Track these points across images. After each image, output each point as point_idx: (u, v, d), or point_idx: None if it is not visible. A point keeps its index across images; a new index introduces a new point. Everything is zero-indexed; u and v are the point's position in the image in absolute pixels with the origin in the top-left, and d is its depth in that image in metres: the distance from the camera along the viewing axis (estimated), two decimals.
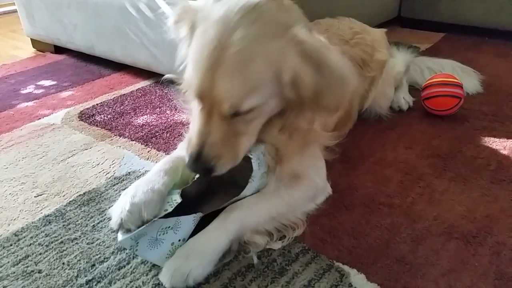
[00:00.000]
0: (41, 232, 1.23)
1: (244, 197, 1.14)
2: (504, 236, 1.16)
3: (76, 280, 1.06)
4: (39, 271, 1.09)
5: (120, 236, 1.04)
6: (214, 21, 0.95)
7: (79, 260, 1.12)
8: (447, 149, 1.59)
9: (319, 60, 0.96)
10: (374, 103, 1.78)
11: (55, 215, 1.30)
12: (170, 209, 1.04)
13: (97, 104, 2.06)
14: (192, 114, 1.07)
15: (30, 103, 2.13)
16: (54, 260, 1.13)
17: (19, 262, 1.13)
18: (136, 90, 2.21)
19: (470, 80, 2.08)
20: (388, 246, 1.14)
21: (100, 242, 1.18)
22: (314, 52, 0.96)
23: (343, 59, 1.04)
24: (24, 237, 1.21)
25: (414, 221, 1.23)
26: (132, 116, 1.92)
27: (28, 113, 2.02)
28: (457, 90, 1.76)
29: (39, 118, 1.95)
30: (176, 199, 1.06)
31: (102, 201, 1.35)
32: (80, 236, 1.21)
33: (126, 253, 1.13)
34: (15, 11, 3.29)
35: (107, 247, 1.16)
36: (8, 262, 1.13)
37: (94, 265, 1.10)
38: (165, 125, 1.82)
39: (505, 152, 1.56)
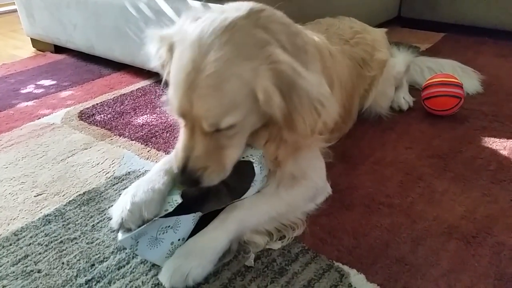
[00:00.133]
0: (41, 231, 1.23)
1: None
2: (504, 237, 1.16)
3: (76, 279, 1.06)
4: (39, 271, 1.09)
5: (120, 236, 1.04)
6: (189, 44, 0.98)
7: (79, 259, 1.12)
8: (447, 149, 1.59)
9: (289, 83, 0.97)
10: (374, 103, 1.78)
11: (54, 214, 1.29)
12: (170, 209, 1.04)
13: (97, 104, 2.06)
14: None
15: (30, 103, 2.13)
16: (53, 259, 1.13)
17: (19, 262, 1.12)
18: (136, 89, 2.21)
19: (470, 80, 2.08)
20: (388, 246, 1.14)
21: (99, 242, 1.18)
22: (285, 74, 0.97)
23: (319, 85, 1.03)
24: (24, 236, 1.21)
25: (414, 221, 1.23)
26: (132, 116, 1.92)
27: (28, 112, 2.02)
28: (457, 90, 1.76)
29: (39, 118, 1.95)
30: (177, 199, 1.06)
31: (102, 200, 1.35)
32: (79, 236, 1.20)
33: (126, 253, 1.13)
34: (15, 11, 3.29)
35: (107, 246, 1.16)
36: (8, 262, 1.12)
37: (93, 264, 1.10)
38: (165, 124, 1.82)
39: (505, 152, 1.56)
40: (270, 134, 1.08)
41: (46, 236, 1.21)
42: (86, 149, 1.66)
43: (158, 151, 1.62)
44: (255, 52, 0.97)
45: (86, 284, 1.05)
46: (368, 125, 1.78)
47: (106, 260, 1.11)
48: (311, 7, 2.18)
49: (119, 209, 1.04)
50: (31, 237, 1.21)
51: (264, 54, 0.97)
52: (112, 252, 1.14)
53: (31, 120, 1.93)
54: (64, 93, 2.23)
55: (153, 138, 1.72)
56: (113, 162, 1.56)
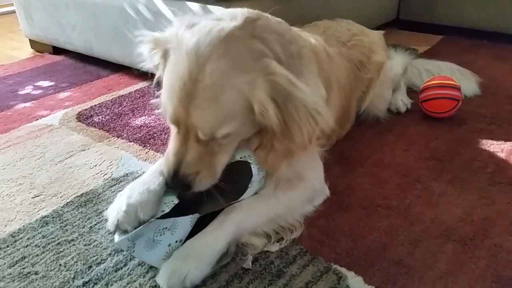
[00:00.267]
0: (38, 233, 1.23)
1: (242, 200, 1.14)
2: (502, 239, 1.16)
3: (73, 281, 1.06)
4: (36, 273, 1.09)
5: (116, 237, 1.04)
6: (186, 53, 0.97)
7: (76, 261, 1.12)
8: (445, 152, 1.59)
9: (285, 94, 0.98)
10: (372, 105, 1.78)
11: (52, 216, 1.29)
12: (167, 210, 1.04)
13: (95, 105, 2.06)
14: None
15: (28, 104, 2.12)
16: (51, 261, 1.12)
17: (16, 264, 1.12)
18: (135, 91, 2.21)
19: (468, 83, 2.08)
20: (386, 248, 1.14)
21: (97, 244, 1.18)
22: (281, 86, 0.98)
23: (315, 94, 1.05)
24: (21, 238, 1.21)
25: (411, 223, 1.23)
26: (130, 117, 1.92)
27: (26, 113, 2.01)
28: (455, 92, 1.77)
29: (37, 119, 1.94)
30: (173, 199, 1.06)
31: (100, 202, 1.35)
32: (77, 238, 1.20)
33: (123, 255, 1.13)
34: (13, 12, 3.28)
35: (104, 248, 1.16)
36: (5, 264, 1.12)
37: (91, 266, 1.10)
38: (163, 126, 1.82)
39: (502, 154, 1.56)
40: (261, 141, 1.09)
41: (43, 237, 1.21)
42: (84, 150, 1.66)
43: (156, 152, 1.62)
44: (252, 64, 0.98)
45: (83, 286, 1.04)
46: (366, 127, 1.78)
47: (104, 262, 1.11)
48: (309, 10, 2.18)
49: (114, 211, 1.04)
50: (28, 238, 1.21)
51: (260, 66, 0.98)
52: (110, 254, 1.14)
53: (29, 121, 1.93)
54: (62, 94, 2.23)
55: (151, 140, 1.72)
56: (111, 163, 1.56)
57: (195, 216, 1.07)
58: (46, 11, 2.63)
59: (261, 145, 1.08)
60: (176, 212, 1.04)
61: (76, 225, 1.25)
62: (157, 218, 1.03)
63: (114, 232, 1.05)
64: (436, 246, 1.14)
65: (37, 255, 1.15)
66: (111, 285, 1.04)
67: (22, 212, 1.32)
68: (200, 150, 1.01)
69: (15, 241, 1.20)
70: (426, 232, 1.19)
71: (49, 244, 1.18)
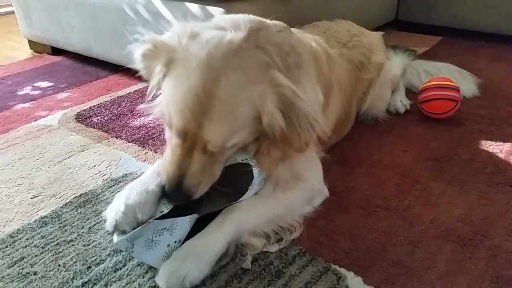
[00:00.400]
0: (37, 233, 1.22)
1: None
2: (501, 239, 1.16)
3: (72, 282, 1.06)
4: (35, 273, 1.09)
5: (115, 238, 1.04)
6: (197, 65, 0.96)
7: (75, 262, 1.12)
8: (444, 152, 1.59)
9: (291, 105, 1.00)
10: (371, 106, 1.79)
11: (51, 216, 1.29)
12: (166, 211, 1.04)
13: (94, 106, 2.05)
14: (168, 141, 1.09)
15: (26, 104, 2.12)
16: (50, 262, 1.12)
17: (15, 264, 1.12)
18: (134, 91, 2.21)
19: (466, 84, 2.09)
20: (385, 249, 1.14)
21: (96, 244, 1.17)
22: (287, 97, 1.00)
23: (312, 104, 1.08)
24: (20, 238, 1.21)
25: (410, 224, 1.23)
26: (129, 118, 1.92)
27: (24, 114, 2.01)
28: (454, 93, 1.77)
29: (36, 120, 1.94)
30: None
31: (99, 203, 1.35)
32: (76, 238, 1.20)
33: (122, 255, 1.13)
34: (12, 12, 3.28)
35: (103, 249, 1.16)
36: (4, 264, 1.12)
37: (90, 267, 1.10)
38: (162, 127, 1.82)
39: (501, 155, 1.57)
40: (259, 147, 1.09)
41: (42, 238, 1.21)
42: (83, 151, 1.66)
43: (155, 153, 1.62)
44: (261, 76, 1.00)
45: (82, 286, 1.04)
46: (365, 128, 1.79)
47: (103, 262, 1.11)
48: (309, 10, 2.18)
49: (113, 212, 1.04)
50: (27, 239, 1.20)
51: (268, 78, 1.00)
52: (109, 254, 1.14)
53: (27, 121, 1.93)
54: (61, 95, 2.23)
55: (150, 140, 1.72)
56: (110, 164, 1.56)
57: (194, 216, 1.06)
58: (45, 12, 2.63)
59: (258, 151, 1.09)
60: (174, 212, 1.04)
61: (75, 226, 1.25)
62: (156, 219, 1.03)
63: (112, 233, 1.05)
64: (435, 247, 1.14)
65: (36, 256, 1.14)
66: (110, 285, 1.04)
67: (21, 212, 1.32)
68: (204, 160, 1.00)
69: (14, 241, 1.20)
70: (425, 233, 1.19)
71: (48, 244, 1.18)
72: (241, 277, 1.06)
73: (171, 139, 1.03)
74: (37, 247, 1.17)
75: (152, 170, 1.15)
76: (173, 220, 1.04)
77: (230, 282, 1.04)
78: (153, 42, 1.06)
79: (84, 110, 2.01)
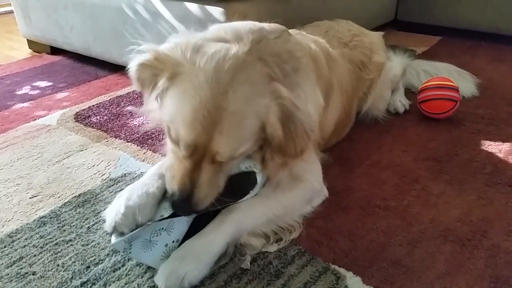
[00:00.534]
0: (36, 233, 1.22)
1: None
2: (500, 239, 1.16)
3: (71, 282, 1.05)
4: (34, 273, 1.08)
5: (113, 239, 1.03)
6: (206, 80, 0.97)
7: (74, 262, 1.11)
8: (443, 152, 1.59)
9: (290, 116, 1.03)
10: (372, 106, 1.79)
11: (50, 216, 1.29)
12: (166, 215, 1.04)
13: (93, 106, 2.05)
14: (170, 151, 1.08)
15: (25, 104, 2.12)
16: (48, 262, 1.12)
17: (13, 264, 1.12)
18: (132, 91, 2.20)
19: (466, 84, 2.09)
20: (384, 249, 1.14)
21: (95, 244, 1.17)
22: (288, 108, 1.03)
23: (309, 114, 1.10)
24: (19, 238, 1.21)
25: (410, 224, 1.23)
26: (128, 118, 1.91)
27: (23, 114, 2.01)
28: (453, 93, 1.77)
29: (35, 119, 1.94)
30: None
31: (98, 202, 1.34)
32: (75, 238, 1.20)
33: (121, 255, 1.12)
34: (11, 12, 3.28)
35: (102, 249, 1.15)
36: (2, 264, 1.12)
37: (89, 267, 1.10)
38: (160, 127, 1.82)
39: (500, 155, 1.57)
40: (263, 155, 1.10)
41: (41, 238, 1.20)
42: (82, 150, 1.65)
43: (154, 153, 1.62)
44: (265, 88, 1.02)
45: (81, 286, 1.04)
46: (365, 128, 1.79)
47: (102, 262, 1.11)
48: (308, 10, 2.18)
49: (112, 213, 1.04)
50: (26, 239, 1.20)
51: (270, 90, 1.02)
52: (108, 254, 1.13)
53: (26, 121, 1.92)
54: (60, 95, 2.23)
55: (149, 140, 1.71)
56: (109, 164, 1.56)
57: (191, 216, 1.06)
58: (44, 11, 2.63)
59: (264, 159, 1.10)
60: (173, 213, 1.04)
61: (74, 226, 1.25)
62: (155, 222, 1.03)
63: (111, 234, 1.05)
64: (434, 247, 1.14)
65: (34, 256, 1.14)
66: (109, 285, 1.04)
67: (20, 212, 1.31)
68: (212, 170, 1.01)
69: (13, 241, 1.20)
70: (425, 233, 1.19)
71: (46, 244, 1.18)
72: (240, 277, 1.05)
73: (177, 152, 1.02)
74: (36, 247, 1.17)
75: (152, 172, 1.15)
76: (171, 220, 1.04)
77: (229, 282, 1.04)
78: (154, 53, 1.04)
79: (83, 109, 2.01)
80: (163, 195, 1.09)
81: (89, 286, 1.04)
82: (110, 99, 2.12)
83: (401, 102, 1.92)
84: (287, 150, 1.06)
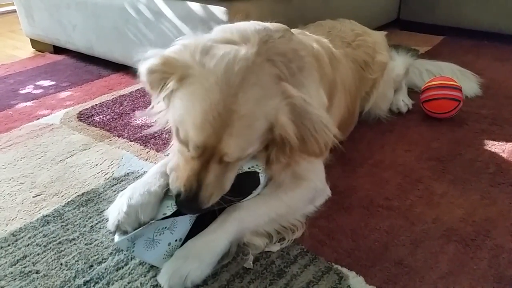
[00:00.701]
0: (39, 232, 1.23)
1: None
2: (503, 239, 1.16)
3: (74, 281, 1.06)
4: (37, 272, 1.09)
5: (116, 238, 1.04)
6: (216, 82, 0.97)
7: (77, 260, 1.12)
8: (446, 152, 1.59)
9: (303, 113, 1.03)
10: (374, 105, 1.79)
11: (53, 215, 1.29)
12: (169, 213, 1.04)
13: (96, 105, 2.06)
14: (177, 151, 1.08)
15: (29, 103, 2.12)
16: (52, 260, 1.12)
17: (17, 263, 1.12)
18: (135, 90, 2.21)
19: (469, 83, 2.08)
20: (387, 248, 1.14)
21: (98, 243, 1.17)
22: (299, 106, 1.03)
23: (321, 110, 1.12)
24: (22, 237, 1.21)
25: (413, 223, 1.23)
26: (131, 117, 1.92)
27: (26, 113, 2.01)
28: (456, 93, 1.77)
29: (38, 118, 1.94)
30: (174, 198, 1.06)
31: (101, 201, 1.35)
32: (78, 237, 1.20)
33: (124, 254, 1.13)
34: (14, 11, 3.28)
35: (105, 248, 1.16)
36: (6, 263, 1.12)
37: (92, 266, 1.10)
38: (164, 126, 1.82)
39: (504, 155, 1.56)
40: (268, 156, 1.10)
41: (44, 237, 1.21)
42: (85, 150, 1.66)
43: (157, 152, 1.62)
44: (274, 89, 1.02)
45: (84, 285, 1.04)
46: (367, 128, 1.78)
47: (105, 261, 1.11)
48: (310, 10, 2.18)
49: (115, 212, 1.04)
50: (29, 237, 1.21)
51: (279, 90, 1.03)
52: (111, 253, 1.14)
53: (30, 120, 1.93)
54: (63, 94, 2.23)
55: (152, 139, 1.72)
56: (112, 163, 1.56)
57: (194, 215, 1.06)
58: (47, 11, 2.63)
59: (269, 160, 1.10)
60: (175, 212, 1.04)
61: (77, 224, 1.25)
62: (158, 220, 1.03)
63: (114, 233, 1.05)
64: (437, 247, 1.14)
65: (38, 254, 1.15)
66: (112, 284, 1.04)
67: (23, 211, 1.32)
68: (219, 170, 1.01)
69: (16, 240, 1.20)
70: (428, 233, 1.19)
71: (50, 243, 1.18)
72: (243, 276, 1.06)
73: (184, 152, 1.02)
74: (39, 245, 1.18)
75: (154, 171, 1.15)
76: (174, 219, 1.04)
77: (232, 281, 1.04)
78: (161, 58, 1.05)
79: (86, 109, 2.02)
80: (165, 193, 1.09)
81: (92, 285, 1.04)
82: (113, 98, 2.13)
83: (404, 102, 1.92)
84: (309, 148, 1.06)
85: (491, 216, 1.25)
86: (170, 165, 1.10)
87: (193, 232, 1.07)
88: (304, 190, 1.23)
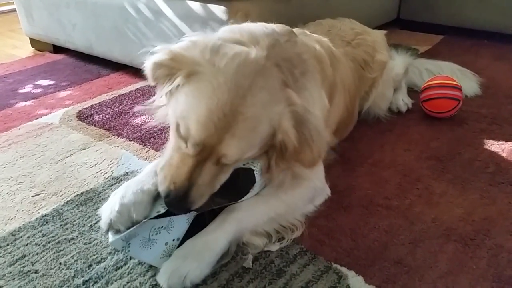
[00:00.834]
0: (38, 232, 1.22)
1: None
2: (502, 239, 1.16)
3: (73, 280, 1.06)
4: (36, 271, 1.09)
5: (110, 237, 1.03)
6: (225, 82, 0.96)
7: (76, 260, 1.12)
8: (446, 151, 1.59)
9: (303, 121, 1.04)
10: (374, 105, 1.79)
11: (52, 215, 1.29)
12: (163, 210, 1.03)
13: (95, 104, 2.05)
14: (172, 149, 1.06)
15: (28, 103, 2.12)
16: (51, 260, 1.12)
17: (16, 262, 1.12)
18: (135, 90, 2.21)
19: (468, 83, 2.08)
20: (386, 248, 1.14)
21: (97, 242, 1.17)
22: (300, 114, 1.03)
23: (319, 117, 1.13)
24: (21, 236, 1.21)
25: (412, 223, 1.23)
26: (131, 116, 1.92)
27: (26, 112, 2.01)
28: (455, 92, 1.77)
29: (37, 118, 1.94)
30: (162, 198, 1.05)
31: (100, 201, 1.35)
32: (77, 236, 1.20)
33: (123, 254, 1.13)
34: (14, 10, 3.28)
35: (104, 247, 1.16)
36: (5, 262, 1.12)
37: (91, 265, 1.10)
38: (163, 125, 1.81)
39: (503, 154, 1.56)
40: (269, 162, 1.10)
41: (43, 236, 1.21)
42: (84, 149, 1.66)
43: (157, 151, 1.62)
44: (279, 95, 1.03)
45: (83, 284, 1.04)
46: (367, 127, 1.78)
47: (104, 261, 1.11)
48: (310, 9, 2.18)
49: (107, 210, 1.04)
50: (28, 237, 1.21)
51: (284, 97, 1.03)
52: (110, 252, 1.14)
53: (29, 120, 1.93)
54: (63, 93, 2.23)
55: (152, 139, 1.71)
56: (111, 162, 1.56)
57: (192, 214, 1.06)
58: (46, 10, 2.63)
59: (269, 166, 1.10)
60: (171, 211, 1.04)
61: (76, 224, 1.25)
62: (152, 218, 1.03)
63: (107, 231, 1.05)
64: (436, 246, 1.14)
65: (37, 254, 1.14)
66: (111, 283, 1.04)
67: (22, 210, 1.32)
68: (214, 172, 1.00)
69: (15, 239, 1.20)
70: (427, 232, 1.19)
71: (49, 242, 1.18)
72: (242, 276, 1.05)
73: (180, 148, 1.01)
74: (38, 245, 1.18)
75: (149, 169, 1.15)
76: (170, 218, 1.04)
77: (231, 281, 1.04)
78: (170, 53, 1.04)
79: (86, 108, 2.02)
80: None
81: (91, 284, 1.04)
82: (113, 97, 2.12)
83: (403, 101, 1.92)
84: (303, 157, 1.06)
85: (491, 215, 1.25)
86: (160, 164, 1.07)
87: (191, 232, 1.06)
88: (304, 190, 1.23)
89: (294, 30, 1.31)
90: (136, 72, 2.39)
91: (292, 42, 1.19)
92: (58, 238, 1.20)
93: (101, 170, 1.51)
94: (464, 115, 1.85)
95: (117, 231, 1.02)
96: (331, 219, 1.24)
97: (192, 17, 1.88)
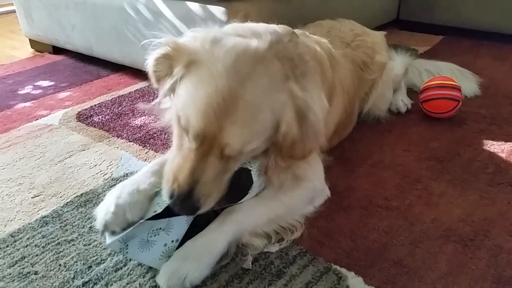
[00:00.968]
0: (38, 233, 1.22)
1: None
2: (502, 239, 1.16)
3: (73, 281, 1.06)
4: (36, 273, 1.09)
5: (107, 239, 1.03)
6: (224, 68, 0.95)
7: (76, 261, 1.12)
8: (445, 152, 1.59)
9: (304, 117, 1.03)
10: (373, 106, 1.79)
11: (52, 216, 1.29)
12: (159, 210, 1.02)
13: (95, 105, 2.05)
14: (176, 147, 1.05)
15: (27, 104, 2.12)
16: (50, 261, 1.12)
17: (15, 264, 1.12)
18: (134, 91, 2.21)
19: (468, 83, 2.08)
20: (386, 248, 1.14)
21: (97, 244, 1.17)
22: (301, 109, 1.03)
23: (318, 114, 1.10)
24: (21, 238, 1.21)
25: (411, 223, 1.23)
26: (130, 117, 1.92)
27: (25, 113, 2.01)
28: (455, 92, 1.77)
29: (37, 119, 1.94)
30: (166, 200, 1.05)
31: (99, 202, 1.32)
32: (77, 238, 1.20)
33: (123, 255, 1.12)
34: (13, 11, 3.28)
35: (104, 248, 1.16)
36: (4, 264, 1.12)
37: (90, 266, 1.10)
38: (163, 126, 1.82)
39: (502, 155, 1.56)
40: (267, 161, 1.09)
41: (43, 237, 1.21)
42: (84, 150, 1.66)
43: (156, 152, 1.62)
44: (282, 86, 1.02)
45: (83, 286, 1.04)
46: (366, 128, 1.78)
47: (103, 262, 1.11)
48: (309, 10, 2.18)
49: (103, 211, 1.03)
50: (28, 238, 1.21)
51: (288, 89, 1.02)
52: (109, 254, 1.14)
53: (28, 121, 1.93)
54: (62, 94, 2.23)
55: (151, 140, 1.71)
56: (111, 163, 1.56)
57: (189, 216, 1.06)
58: (46, 11, 2.63)
59: (267, 166, 1.10)
60: (169, 212, 1.03)
61: (76, 225, 1.25)
62: (149, 219, 1.02)
63: (102, 232, 1.04)
64: (436, 247, 1.14)
65: (36, 255, 1.14)
66: (111, 285, 1.04)
67: (22, 212, 1.32)
68: (218, 167, 0.98)
69: (15, 241, 1.20)
70: (426, 233, 1.19)
71: (48, 244, 1.18)
72: (242, 277, 1.06)
73: (183, 145, 1.00)
74: (38, 246, 1.18)
75: (145, 170, 1.15)
76: (169, 219, 1.03)
77: (231, 282, 1.04)
78: (173, 45, 1.04)
79: (85, 109, 2.02)
80: (156, 192, 1.07)
81: (91, 285, 1.04)
82: (112, 98, 2.13)
83: (403, 102, 1.92)
84: (295, 151, 1.06)
85: (490, 216, 1.25)
86: (167, 167, 1.04)
87: (191, 233, 1.06)
88: (303, 191, 1.23)
89: (295, 31, 1.31)
90: (135, 73, 2.39)
91: (294, 42, 1.20)
92: (58, 239, 1.20)
93: (100, 171, 1.51)
94: (463, 115, 1.85)
95: (113, 232, 1.02)
96: (330, 220, 1.24)
97: (192, 18, 1.88)
